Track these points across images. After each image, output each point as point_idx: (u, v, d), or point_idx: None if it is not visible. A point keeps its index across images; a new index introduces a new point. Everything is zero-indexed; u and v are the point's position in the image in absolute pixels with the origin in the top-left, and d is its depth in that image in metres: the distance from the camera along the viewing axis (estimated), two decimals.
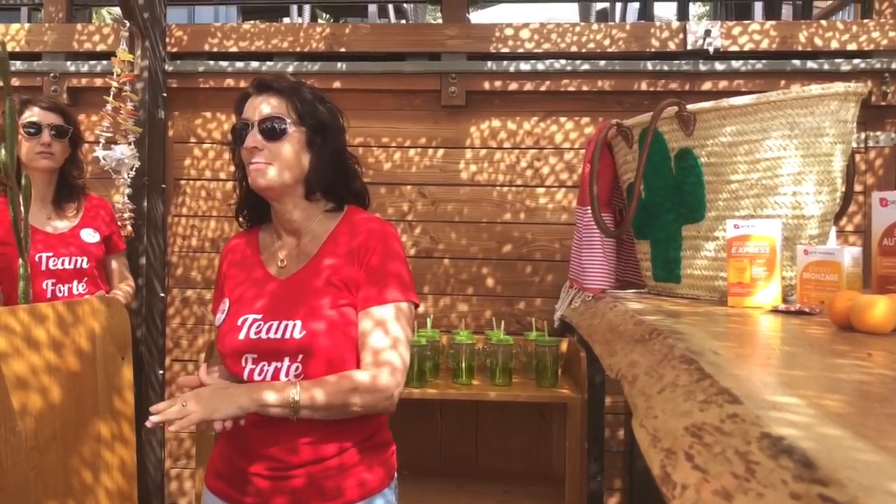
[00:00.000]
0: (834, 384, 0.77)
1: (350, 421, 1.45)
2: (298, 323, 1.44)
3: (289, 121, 1.49)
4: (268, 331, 1.45)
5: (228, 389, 1.39)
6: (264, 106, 1.50)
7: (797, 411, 0.63)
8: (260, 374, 1.44)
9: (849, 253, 1.39)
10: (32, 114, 2.40)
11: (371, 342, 1.43)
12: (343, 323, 1.45)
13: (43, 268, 2.37)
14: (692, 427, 0.68)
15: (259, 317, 1.48)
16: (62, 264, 2.41)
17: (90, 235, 2.52)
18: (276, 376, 1.43)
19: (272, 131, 1.48)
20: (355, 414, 1.41)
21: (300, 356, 1.42)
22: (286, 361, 1.43)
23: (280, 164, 1.48)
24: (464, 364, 2.60)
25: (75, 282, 2.43)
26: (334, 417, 1.41)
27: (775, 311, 1.40)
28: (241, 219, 1.67)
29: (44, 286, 2.36)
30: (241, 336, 1.47)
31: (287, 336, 1.43)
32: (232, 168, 1.65)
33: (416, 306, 1.55)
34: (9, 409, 1.93)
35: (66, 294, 2.40)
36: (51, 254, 2.39)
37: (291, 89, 1.53)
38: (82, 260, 2.45)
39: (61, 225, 2.48)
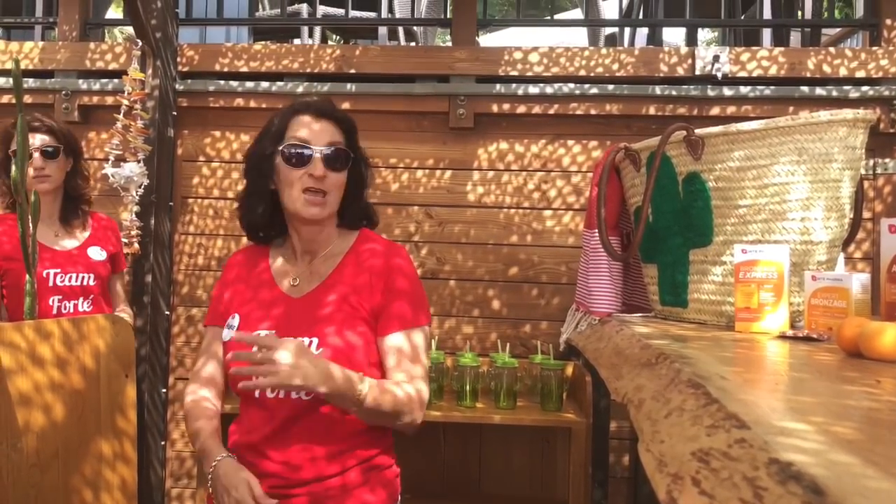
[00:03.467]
0: (843, 411, 0.76)
1: (354, 441, 1.45)
2: (315, 340, 1.44)
3: (351, 155, 1.53)
4: None
5: (313, 365, 1.35)
6: (326, 133, 1.51)
7: (806, 437, 0.62)
8: (272, 392, 1.45)
9: (857, 279, 1.38)
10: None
11: (401, 367, 1.49)
12: (350, 346, 1.47)
13: (50, 284, 2.37)
14: (699, 452, 0.67)
15: (273, 333, 1.48)
16: (69, 281, 2.42)
17: (97, 253, 2.52)
18: (287, 394, 1.44)
19: (336, 162, 1.49)
20: (390, 423, 1.48)
21: None
22: None
23: (334, 194, 1.51)
24: (468, 386, 2.58)
25: (81, 299, 2.44)
26: (382, 422, 1.47)
27: (783, 336, 1.39)
28: (260, 235, 1.64)
29: (50, 303, 2.37)
30: (255, 350, 1.46)
31: None
32: (239, 187, 1.65)
33: (429, 324, 1.59)
34: (12, 425, 1.93)
35: (71, 311, 2.40)
36: (58, 270, 2.40)
37: (347, 120, 1.56)
38: (89, 277, 2.46)
39: (69, 242, 2.49)
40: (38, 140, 2.39)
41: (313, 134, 1.50)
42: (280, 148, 1.51)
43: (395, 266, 1.55)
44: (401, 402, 1.43)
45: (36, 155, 2.37)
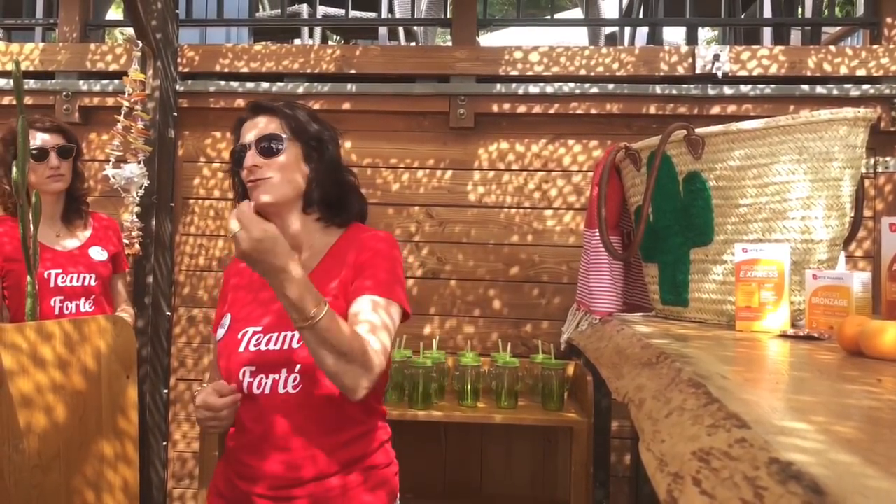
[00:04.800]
0: (843, 410, 0.76)
1: (353, 438, 1.45)
2: (297, 334, 1.43)
3: (284, 136, 1.52)
4: (267, 342, 1.46)
5: (281, 258, 1.25)
6: (259, 126, 1.54)
7: (806, 437, 0.62)
8: (259, 388, 1.44)
9: (858, 278, 1.38)
10: (34, 137, 2.39)
11: (366, 319, 1.40)
12: None
13: (52, 285, 2.38)
14: (700, 452, 0.67)
15: (259, 329, 1.49)
16: (70, 281, 2.42)
17: (98, 253, 2.53)
18: (274, 388, 1.43)
19: (269, 149, 1.51)
20: (332, 371, 1.32)
21: (298, 366, 1.42)
22: (283, 373, 1.43)
23: (279, 178, 1.50)
24: (469, 386, 2.58)
25: (83, 299, 2.44)
26: (324, 365, 1.31)
27: (784, 335, 1.39)
28: None
29: (52, 303, 2.37)
30: (241, 349, 1.47)
31: (286, 347, 1.44)
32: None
33: (406, 317, 1.52)
34: (13, 426, 1.93)
35: (73, 311, 2.41)
36: (59, 271, 2.40)
37: (283, 107, 1.57)
38: (90, 277, 2.46)
39: (70, 243, 2.49)
40: (52, 140, 2.42)
41: (248, 133, 1.55)
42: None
43: (380, 238, 1.55)
44: (356, 346, 1.32)
45: (52, 154, 2.40)
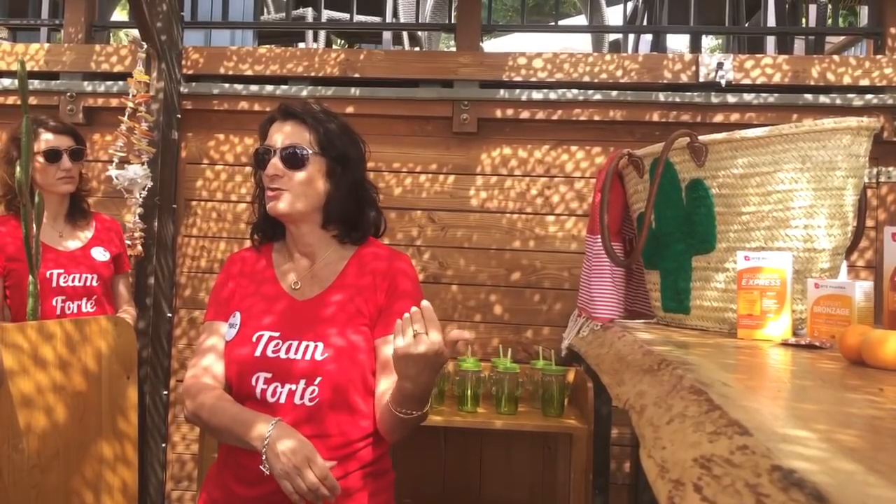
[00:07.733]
0: (845, 418, 0.76)
1: (356, 445, 1.45)
2: (320, 345, 1.44)
3: (310, 151, 1.50)
4: (287, 350, 1.45)
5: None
6: (287, 134, 1.52)
7: (809, 445, 0.62)
8: (273, 396, 1.44)
9: (860, 287, 1.38)
10: (47, 138, 2.41)
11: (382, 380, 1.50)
12: (354, 349, 1.46)
13: (53, 285, 2.38)
14: (701, 458, 0.67)
15: (276, 335, 1.48)
16: (72, 282, 2.42)
17: (101, 254, 2.53)
18: (290, 398, 1.43)
19: (293, 159, 1.50)
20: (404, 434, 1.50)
21: (319, 379, 1.43)
22: (302, 383, 1.43)
23: (297, 191, 1.50)
24: (469, 392, 2.58)
25: (84, 300, 2.44)
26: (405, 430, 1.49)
27: (785, 344, 1.38)
28: (256, 237, 1.66)
29: (53, 303, 2.37)
30: (258, 353, 1.46)
31: (307, 357, 1.44)
32: (242, 190, 1.66)
33: None
34: (13, 426, 1.93)
35: (74, 312, 2.41)
36: (62, 271, 2.41)
37: (316, 118, 1.54)
38: (92, 278, 2.46)
39: (73, 243, 2.49)
40: (65, 141, 2.45)
41: (275, 136, 1.54)
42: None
43: (398, 269, 1.56)
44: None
45: (65, 157, 2.43)
